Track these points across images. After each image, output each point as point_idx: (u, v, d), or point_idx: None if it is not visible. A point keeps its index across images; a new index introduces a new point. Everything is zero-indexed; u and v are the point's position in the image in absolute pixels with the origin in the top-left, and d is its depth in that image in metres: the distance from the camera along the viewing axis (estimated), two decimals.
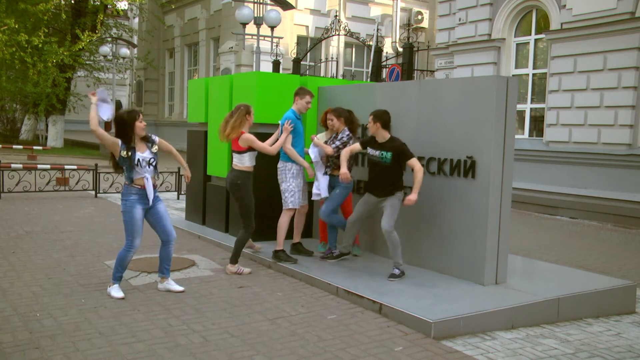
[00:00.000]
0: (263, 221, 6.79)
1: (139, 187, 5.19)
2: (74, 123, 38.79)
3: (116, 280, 5.32)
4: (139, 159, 5.16)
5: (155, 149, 5.33)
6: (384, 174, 5.78)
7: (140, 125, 5.20)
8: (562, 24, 12.34)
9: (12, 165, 11.63)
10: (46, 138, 25.17)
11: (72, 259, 6.52)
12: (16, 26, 19.78)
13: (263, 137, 7.16)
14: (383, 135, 5.78)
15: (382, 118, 5.78)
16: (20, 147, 19.92)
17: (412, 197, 5.50)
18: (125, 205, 5.22)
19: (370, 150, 5.89)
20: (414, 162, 5.61)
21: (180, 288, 5.45)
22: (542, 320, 5.02)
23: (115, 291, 5.25)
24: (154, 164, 5.28)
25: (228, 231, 7.85)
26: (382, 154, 5.74)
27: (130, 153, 5.15)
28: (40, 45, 20.49)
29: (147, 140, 5.32)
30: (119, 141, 5.17)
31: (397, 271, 5.73)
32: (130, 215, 5.20)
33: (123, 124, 5.18)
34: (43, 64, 20.85)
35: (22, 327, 4.41)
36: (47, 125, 27.37)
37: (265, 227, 6.86)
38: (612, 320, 5.26)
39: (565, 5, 12.24)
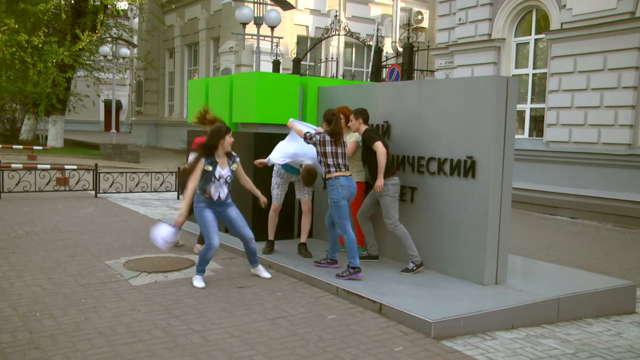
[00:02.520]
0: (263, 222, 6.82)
1: (209, 197, 5.58)
2: (74, 123, 38.89)
3: (199, 273, 5.71)
4: (219, 175, 5.51)
5: (234, 167, 5.67)
6: (367, 162, 6.15)
7: (229, 140, 5.57)
8: (562, 23, 12.35)
9: (12, 165, 11.63)
10: (46, 138, 25.17)
11: (72, 259, 6.52)
12: (16, 26, 19.80)
13: (263, 136, 7.18)
14: (361, 129, 6.11)
15: (363, 114, 6.11)
16: (20, 147, 19.95)
17: (378, 182, 5.81)
18: (196, 211, 5.65)
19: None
20: (377, 145, 5.82)
21: (268, 275, 5.97)
22: (542, 320, 5.02)
23: (197, 281, 5.66)
24: (229, 182, 5.63)
25: (228, 231, 7.83)
26: (361, 144, 6.18)
27: (212, 168, 5.49)
28: (40, 45, 20.49)
29: (230, 157, 5.65)
30: (202, 159, 5.51)
31: (411, 265, 5.84)
32: (202, 217, 5.61)
33: (217, 134, 5.51)
34: (43, 64, 20.86)
35: (22, 327, 4.41)
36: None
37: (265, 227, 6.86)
38: (612, 320, 5.26)
39: (565, 5, 12.25)
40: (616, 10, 11.36)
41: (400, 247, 6.05)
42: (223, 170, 5.58)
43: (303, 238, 6.70)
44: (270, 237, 6.75)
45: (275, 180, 6.62)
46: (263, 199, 6.04)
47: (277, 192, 6.63)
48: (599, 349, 4.51)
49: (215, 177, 5.52)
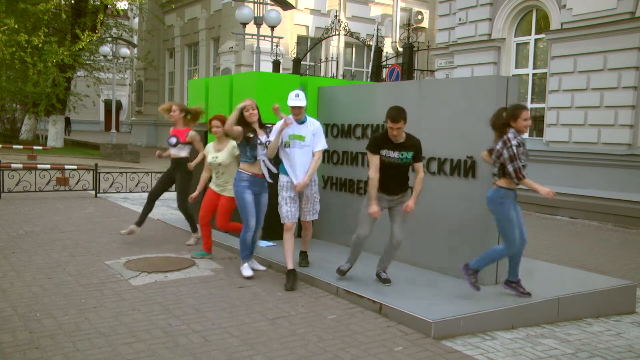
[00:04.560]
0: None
1: (250, 174, 5.88)
2: (74, 123, 38.92)
3: (244, 259, 5.97)
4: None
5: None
6: (401, 174, 5.36)
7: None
8: (562, 23, 12.35)
9: (12, 165, 11.63)
10: (46, 138, 25.18)
11: (72, 259, 6.52)
12: (16, 26, 19.84)
13: None
14: (402, 135, 5.24)
15: (405, 116, 5.18)
16: (20, 147, 19.94)
17: (412, 204, 5.25)
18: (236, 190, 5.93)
19: (385, 152, 5.27)
20: (421, 166, 5.38)
21: (262, 267, 6.22)
22: (542, 320, 5.02)
23: (245, 270, 5.90)
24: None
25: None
26: (402, 155, 5.25)
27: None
28: (40, 45, 20.52)
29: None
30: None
31: (384, 275, 5.60)
32: (242, 198, 5.86)
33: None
34: (43, 64, 20.87)
35: (22, 327, 4.42)
36: (67, 124, 27.42)
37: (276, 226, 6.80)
38: (612, 320, 5.26)
39: (565, 5, 12.25)
40: (616, 10, 11.36)
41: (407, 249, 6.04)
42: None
43: (304, 246, 6.25)
44: (289, 265, 5.73)
45: (280, 195, 5.87)
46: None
47: (287, 208, 5.78)
48: (599, 348, 4.51)
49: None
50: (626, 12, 11.26)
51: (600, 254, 8.29)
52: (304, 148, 5.74)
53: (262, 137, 5.87)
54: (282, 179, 5.83)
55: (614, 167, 11.36)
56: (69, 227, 8.32)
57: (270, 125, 6.06)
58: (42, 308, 4.86)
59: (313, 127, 5.80)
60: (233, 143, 6.33)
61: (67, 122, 33.85)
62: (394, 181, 5.33)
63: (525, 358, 4.23)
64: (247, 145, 5.85)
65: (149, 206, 7.51)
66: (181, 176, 7.38)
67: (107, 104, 41.58)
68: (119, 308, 4.92)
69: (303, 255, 6.18)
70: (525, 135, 13.29)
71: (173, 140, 7.31)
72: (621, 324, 5.15)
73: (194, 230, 7.52)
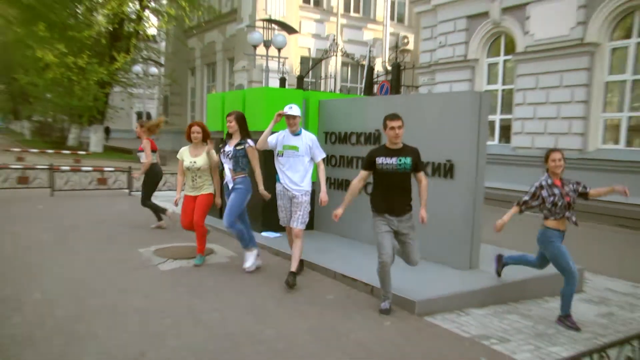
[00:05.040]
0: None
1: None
2: (111, 131, 38.77)
3: (248, 247, 5.67)
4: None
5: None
6: (402, 185, 4.46)
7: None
8: (526, 47, 12.37)
9: (62, 168, 11.68)
10: (89, 144, 25.21)
11: (110, 247, 6.55)
12: (65, 50, 20.01)
13: None
14: (400, 139, 4.50)
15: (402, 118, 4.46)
16: (68, 152, 20.02)
17: (424, 214, 4.53)
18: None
19: (381, 160, 4.44)
20: (423, 175, 4.60)
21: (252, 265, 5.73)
22: (508, 299, 5.04)
23: (250, 261, 5.66)
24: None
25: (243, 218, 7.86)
26: (400, 160, 4.42)
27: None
28: (84, 66, 20.63)
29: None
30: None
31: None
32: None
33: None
34: (86, 82, 21.01)
35: (72, 304, 4.46)
36: (107, 132, 27.65)
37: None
38: None
39: (528, 32, 12.29)
40: (569, 36, 11.46)
41: None
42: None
43: (293, 266, 5.18)
44: (292, 267, 5.18)
45: (278, 201, 5.39)
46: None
47: (282, 215, 5.40)
48: (554, 321, 4.55)
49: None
50: (577, 39, 11.33)
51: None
52: (297, 157, 5.21)
53: (226, 147, 5.60)
54: (278, 187, 5.33)
55: (568, 169, 11.23)
56: (107, 220, 8.34)
57: (244, 141, 5.57)
58: (87, 288, 4.89)
59: (307, 139, 5.26)
60: (208, 148, 5.75)
61: (107, 130, 33.94)
62: (395, 193, 4.42)
63: (493, 330, 4.26)
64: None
65: (150, 205, 7.91)
66: (146, 178, 7.91)
67: (139, 115, 41.55)
68: (151, 289, 4.94)
69: (292, 275, 5.13)
70: (495, 141, 13.45)
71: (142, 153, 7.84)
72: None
73: (160, 218, 7.89)
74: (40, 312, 4.26)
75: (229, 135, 5.69)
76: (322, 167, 5.30)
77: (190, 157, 5.79)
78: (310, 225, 7.28)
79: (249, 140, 5.54)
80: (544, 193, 4.44)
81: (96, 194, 11.33)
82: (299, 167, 5.22)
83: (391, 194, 4.43)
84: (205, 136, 5.84)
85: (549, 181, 4.48)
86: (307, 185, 5.26)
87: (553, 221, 4.47)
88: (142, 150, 7.82)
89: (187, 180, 5.85)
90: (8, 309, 4.32)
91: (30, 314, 4.22)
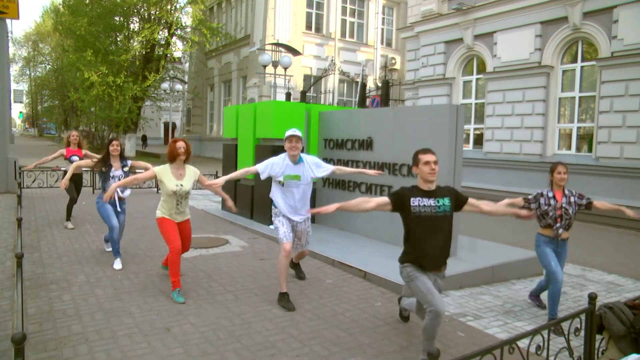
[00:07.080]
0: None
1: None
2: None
3: (117, 255, 5.13)
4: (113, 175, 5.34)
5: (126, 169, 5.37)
6: (443, 230, 3.12)
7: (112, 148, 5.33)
8: (494, 68, 12.36)
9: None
10: (124, 150, 25.25)
11: (141, 238, 6.50)
12: (106, 71, 20.55)
13: (278, 147, 7.15)
14: (436, 179, 3.20)
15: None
16: None
17: (526, 213, 3.73)
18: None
19: (418, 202, 3.10)
20: (473, 200, 3.33)
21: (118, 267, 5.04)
22: (481, 282, 5.00)
23: (116, 264, 5.07)
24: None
25: (253, 218, 7.83)
26: (438, 202, 3.12)
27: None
28: (121, 84, 21.04)
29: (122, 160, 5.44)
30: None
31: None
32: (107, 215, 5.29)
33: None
34: (122, 97, 21.36)
35: (109, 286, 4.44)
36: (144, 140, 27.67)
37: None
38: (528, 280, 5.24)
39: (496, 55, 12.30)
40: (529, 60, 11.57)
41: (379, 228, 5.99)
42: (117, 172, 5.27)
43: (282, 286, 4.18)
44: (283, 288, 4.14)
45: (275, 220, 4.33)
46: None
47: (283, 230, 4.22)
48: (519, 300, 4.53)
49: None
50: (535, 62, 11.42)
51: (522, 234, 8.23)
52: (300, 187, 4.27)
53: (117, 172, 5.30)
54: (274, 209, 4.37)
55: (531, 171, 11.40)
56: (139, 215, 8.29)
57: (126, 161, 5.42)
58: (121, 273, 4.86)
59: (308, 163, 4.32)
60: (192, 168, 4.51)
61: (144, 139, 33.91)
62: (435, 240, 3.10)
63: (468, 308, 4.22)
64: (101, 175, 5.35)
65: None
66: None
67: (166, 125, 41.50)
68: None
69: (298, 268, 4.89)
70: (470, 147, 13.40)
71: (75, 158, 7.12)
72: (533, 283, 5.11)
73: (69, 219, 7.27)
74: (85, 292, 4.27)
75: (110, 158, 5.38)
76: (335, 167, 4.47)
77: (175, 179, 4.32)
78: (311, 219, 7.24)
79: (128, 161, 5.41)
80: (542, 201, 4.13)
81: (130, 193, 11.23)
82: (302, 195, 4.31)
83: (428, 241, 3.10)
84: (189, 155, 4.41)
85: (550, 194, 4.14)
86: (306, 212, 4.35)
87: (542, 228, 4.16)
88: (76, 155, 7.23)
89: (168, 204, 4.32)
90: (59, 288, 4.34)
91: (76, 293, 4.24)
